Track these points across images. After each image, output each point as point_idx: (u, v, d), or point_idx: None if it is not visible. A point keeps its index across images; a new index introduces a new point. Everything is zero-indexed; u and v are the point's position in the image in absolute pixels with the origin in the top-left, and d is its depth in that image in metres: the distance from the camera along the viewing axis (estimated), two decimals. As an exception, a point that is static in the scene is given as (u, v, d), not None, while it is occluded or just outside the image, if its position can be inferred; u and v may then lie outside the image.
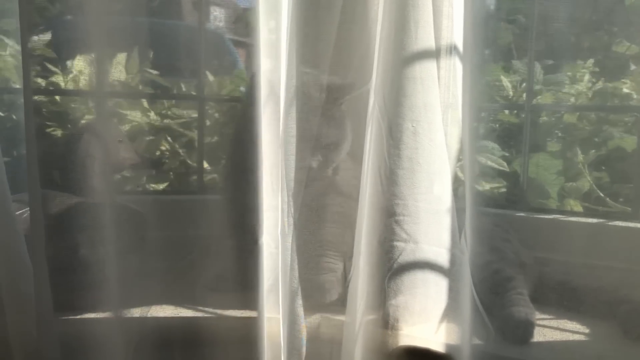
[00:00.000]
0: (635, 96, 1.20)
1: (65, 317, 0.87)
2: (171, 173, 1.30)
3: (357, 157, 0.87)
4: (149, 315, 0.92)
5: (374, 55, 0.83)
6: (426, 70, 0.86)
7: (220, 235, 0.97)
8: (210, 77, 1.31)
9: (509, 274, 0.91)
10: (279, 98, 0.84)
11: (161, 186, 1.28)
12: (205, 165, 1.25)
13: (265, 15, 0.85)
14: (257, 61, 0.83)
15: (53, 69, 1.23)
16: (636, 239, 1.01)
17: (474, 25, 0.84)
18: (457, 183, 0.88)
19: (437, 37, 0.86)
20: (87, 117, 1.18)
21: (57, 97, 1.22)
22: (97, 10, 0.94)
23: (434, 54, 0.86)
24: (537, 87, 1.22)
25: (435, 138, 0.87)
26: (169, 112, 1.32)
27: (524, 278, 0.92)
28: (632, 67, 1.22)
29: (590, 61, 1.25)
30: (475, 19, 0.86)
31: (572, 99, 1.27)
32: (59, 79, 1.23)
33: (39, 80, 1.23)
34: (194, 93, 1.29)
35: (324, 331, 0.88)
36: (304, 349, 0.85)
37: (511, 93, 1.28)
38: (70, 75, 1.23)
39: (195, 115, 1.28)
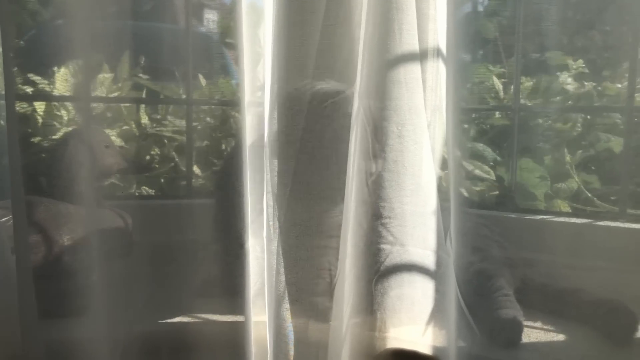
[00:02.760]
0: (623, 96, 1.21)
1: (51, 324, 0.87)
2: (159, 178, 1.29)
3: (342, 160, 0.86)
4: (135, 320, 0.92)
5: (358, 59, 0.83)
6: (411, 73, 0.86)
7: (206, 239, 0.97)
8: (201, 81, 1.31)
9: (493, 274, 0.91)
10: (263, 101, 0.84)
11: (148, 191, 1.27)
12: (196, 170, 1.25)
13: (249, 18, 0.85)
14: (241, 65, 0.83)
15: (36, 75, 1.22)
16: (622, 239, 1.01)
17: (457, 27, 0.85)
18: (442, 185, 0.88)
19: (422, 40, 0.86)
20: (73, 122, 1.18)
21: (44, 103, 1.22)
22: (86, 15, 0.93)
23: (418, 56, 0.86)
24: (524, 87, 1.23)
25: (421, 141, 0.87)
26: (157, 117, 1.32)
27: (511, 278, 0.92)
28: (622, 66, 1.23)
29: (580, 61, 1.25)
30: (459, 21, 0.86)
31: (560, 100, 1.27)
32: (45, 85, 1.22)
33: (24, 86, 1.23)
34: (183, 97, 1.29)
35: (310, 335, 0.88)
36: (291, 353, 0.85)
37: (498, 94, 1.28)
38: (57, 81, 1.22)
39: (184, 119, 1.28)
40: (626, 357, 0.83)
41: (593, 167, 1.24)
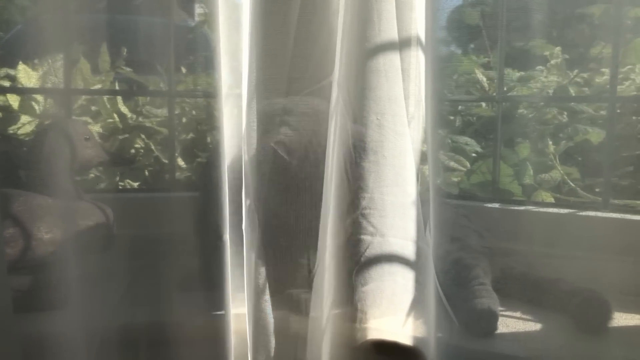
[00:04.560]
0: (606, 87, 1.20)
1: (26, 318, 0.86)
2: (142, 171, 1.28)
3: (320, 150, 0.86)
4: (113, 314, 0.91)
5: (336, 48, 0.82)
6: (390, 62, 0.85)
7: (184, 232, 0.96)
8: (183, 73, 1.30)
9: (469, 263, 0.90)
10: (241, 92, 0.83)
11: (128, 184, 1.27)
12: (180, 162, 1.24)
13: (227, 8, 0.84)
14: (218, 56, 0.82)
15: (12, 69, 1.21)
16: (602, 228, 1.01)
17: (436, 16, 0.84)
18: (422, 175, 0.88)
19: (402, 29, 0.86)
20: (52, 115, 1.17)
21: (21, 95, 1.21)
22: (69, 9, 0.92)
23: (398, 46, 0.85)
24: (507, 78, 1.22)
25: (401, 131, 0.86)
26: (137, 109, 1.31)
27: (488, 267, 0.92)
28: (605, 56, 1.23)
29: (558, 49, 1.25)
30: (438, 10, 0.86)
31: (542, 90, 1.27)
32: (25, 76, 1.21)
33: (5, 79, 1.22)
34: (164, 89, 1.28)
35: (290, 326, 0.88)
36: (271, 345, 0.84)
37: (482, 85, 1.28)
38: (38, 73, 1.21)
39: (164, 112, 1.27)
40: (601, 346, 0.83)
41: (580, 158, 1.24)
